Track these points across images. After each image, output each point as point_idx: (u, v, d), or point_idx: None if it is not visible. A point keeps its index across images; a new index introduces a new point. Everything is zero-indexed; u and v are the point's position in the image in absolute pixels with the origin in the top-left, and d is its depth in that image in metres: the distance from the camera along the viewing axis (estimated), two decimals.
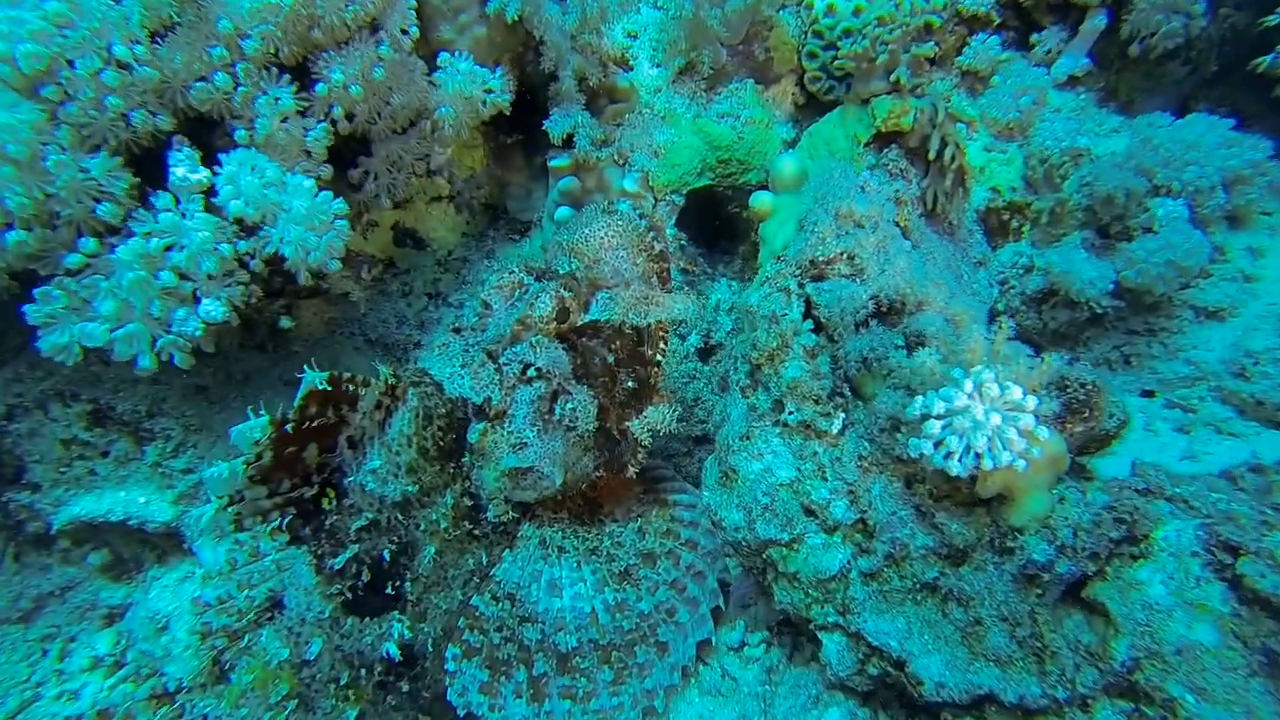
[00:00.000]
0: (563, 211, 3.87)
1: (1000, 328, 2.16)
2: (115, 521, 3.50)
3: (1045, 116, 3.65)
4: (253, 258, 3.09)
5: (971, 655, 2.21)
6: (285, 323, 3.41)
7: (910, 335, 2.67)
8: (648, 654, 2.75)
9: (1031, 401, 2.01)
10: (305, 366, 2.48)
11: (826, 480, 2.49)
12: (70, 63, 2.73)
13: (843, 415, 2.51)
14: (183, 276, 2.94)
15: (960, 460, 2.07)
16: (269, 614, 2.56)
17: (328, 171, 3.30)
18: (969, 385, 2.06)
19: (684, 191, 3.89)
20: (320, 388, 2.49)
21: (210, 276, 2.97)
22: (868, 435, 2.49)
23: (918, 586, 2.36)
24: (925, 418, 2.15)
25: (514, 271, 2.88)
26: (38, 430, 3.47)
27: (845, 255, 2.78)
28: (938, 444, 2.11)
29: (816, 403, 2.54)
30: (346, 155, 3.51)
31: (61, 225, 2.86)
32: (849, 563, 2.45)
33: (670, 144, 3.87)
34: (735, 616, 3.06)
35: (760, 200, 3.37)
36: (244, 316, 3.16)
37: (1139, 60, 3.76)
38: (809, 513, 2.51)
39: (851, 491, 2.46)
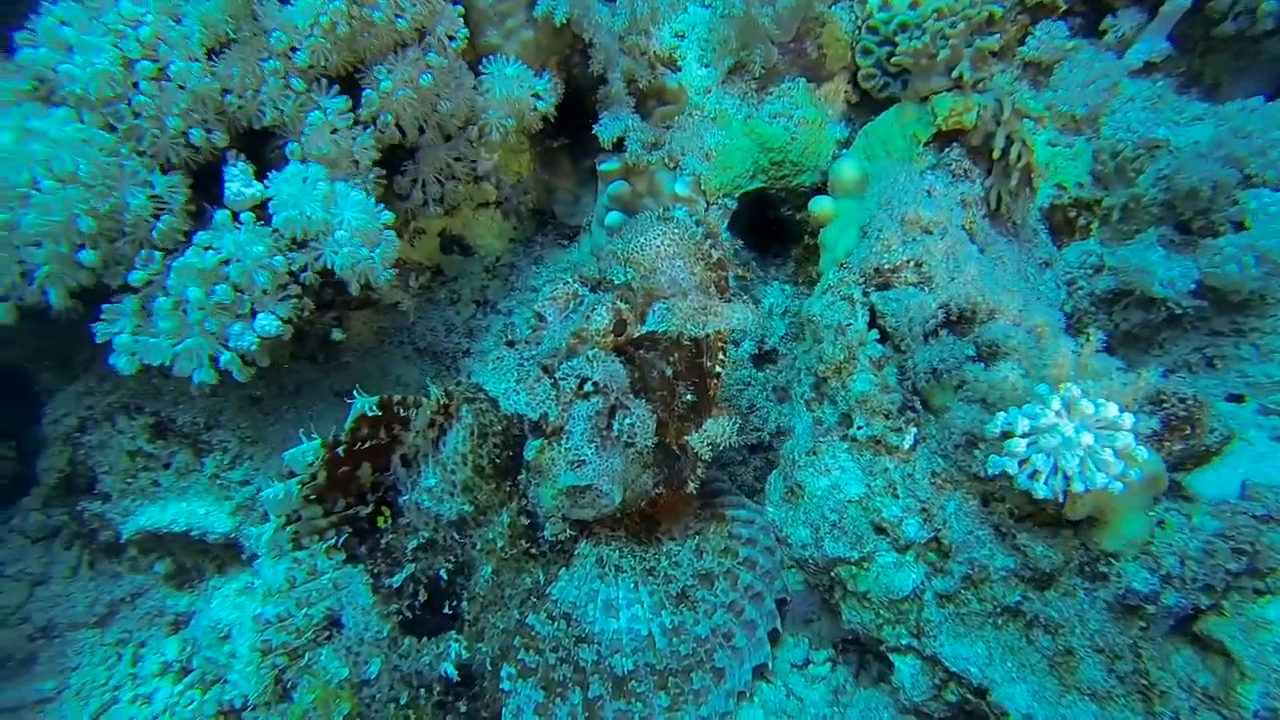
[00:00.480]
0: (613, 216, 3.79)
1: (1089, 340, 2.04)
2: (178, 532, 3.55)
3: (1117, 107, 3.46)
4: (305, 271, 3.08)
5: (1063, 687, 2.09)
6: (337, 335, 3.40)
7: (982, 345, 2.55)
8: (704, 680, 2.69)
9: (1129, 419, 1.88)
10: (355, 391, 2.46)
11: (898, 497, 2.38)
12: (135, 84, 2.75)
13: (914, 430, 2.41)
14: (239, 291, 2.94)
15: (1047, 481, 1.95)
16: (327, 633, 2.54)
17: (375, 180, 3.28)
18: (1056, 402, 1.94)
19: (736, 194, 3.80)
20: (370, 413, 2.46)
21: (265, 291, 2.96)
22: (941, 451, 2.38)
23: (998, 610, 2.24)
24: (1007, 435, 2.04)
25: (568, 282, 2.82)
26: (107, 442, 3.55)
27: (912, 263, 2.67)
28: (1022, 463, 2.00)
29: (887, 417, 2.43)
30: (394, 162, 3.49)
31: (125, 243, 2.88)
32: (923, 583, 2.35)
33: (721, 146, 3.78)
34: (798, 633, 2.97)
35: (820, 205, 3.26)
36: (296, 329, 3.15)
37: (1232, 39, 3.48)
38: (879, 530, 2.41)
39: (924, 509, 2.36)
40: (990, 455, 2.10)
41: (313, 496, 2.49)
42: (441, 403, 2.60)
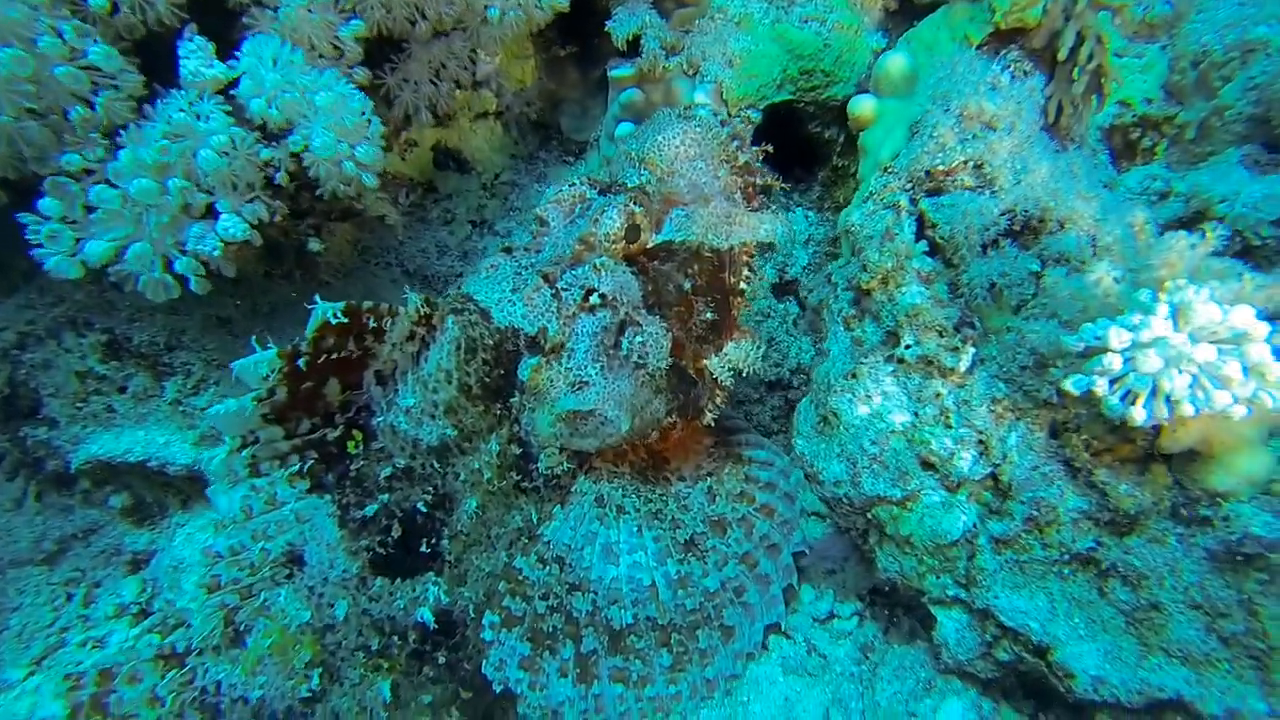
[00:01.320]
0: (624, 128, 3.43)
1: (1206, 237, 1.68)
2: (134, 462, 3.25)
3: (1205, 4, 3.04)
4: (277, 169, 2.72)
5: (1144, 648, 1.77)
6: (314, 245, 3.05)
7: (1049, 259, 2.19)
8: (711, 639, 2.44)
9: (1264, 328, 1.53)
10: (316, 296, 2.12)
11: (950, 427, 2.05)
12: None
13: (973, 350, 2.06)
14: (198, 188, 2.59)
15: (1147, 404, 1.61)
16: (287, 570, 2.24)
17: (363, 75, 2.93)
18: (1163, 309, 1.59)
19: (761, 106, 3.42)
20: (335, 320, 2.11)
21: (230, 188, 2.61)
22: (1003, 375, 2.04)
23: (1066, 558, 1.92)
24: (1095, 351, 1.69)
25: (575, 184, 2.48)
26: (52, 361, 3.22)
27: (970, 163, 2.30)
28: (1114, 383, 1.65)
29: (941, 334, 2.09)
30: (381, 61, 3.12)
31: (57, 122, 2.51)
32: (975, 526, 2.03)
33: (746, 52, 3.39)
34: (820, 584, 2.66)
35: (861, 105, 2.89)
36: (268, 238, 2.81)
37: None
38: (927, 465, 2.09)
39: (981, 441, 2.03)
40: (1071, 374, 1.75)
41: (271, 415, 2.18)
42: (422, 313, 2.26)
